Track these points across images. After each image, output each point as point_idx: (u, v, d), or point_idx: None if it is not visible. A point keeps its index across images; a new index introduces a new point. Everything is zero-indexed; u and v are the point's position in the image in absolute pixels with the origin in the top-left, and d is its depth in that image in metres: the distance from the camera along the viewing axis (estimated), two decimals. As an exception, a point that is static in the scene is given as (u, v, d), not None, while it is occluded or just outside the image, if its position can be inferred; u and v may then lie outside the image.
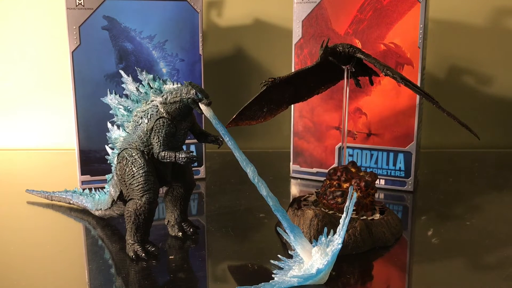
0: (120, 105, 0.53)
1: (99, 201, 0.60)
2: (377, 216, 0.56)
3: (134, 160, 0.51)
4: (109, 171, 0.58)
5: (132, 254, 0.51)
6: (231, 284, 0.47)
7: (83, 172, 0.73)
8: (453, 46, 0.96)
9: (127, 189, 0.52)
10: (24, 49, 0.97)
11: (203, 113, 0.49)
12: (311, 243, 0.48)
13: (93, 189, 0.63)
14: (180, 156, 0.50)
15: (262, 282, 0.44)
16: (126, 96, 0.53)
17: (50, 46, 0.96)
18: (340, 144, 0.76)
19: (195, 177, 0.76)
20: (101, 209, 0.60)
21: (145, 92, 0.52)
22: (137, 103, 0.53)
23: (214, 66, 0.97)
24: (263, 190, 0.47)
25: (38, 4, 0.95)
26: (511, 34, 0.95)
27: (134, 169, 0.51)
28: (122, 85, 0.54)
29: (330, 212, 0.56)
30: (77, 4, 0.68)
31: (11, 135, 1.00)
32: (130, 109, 0.53)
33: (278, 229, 0.51)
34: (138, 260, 0.51)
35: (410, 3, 0.68)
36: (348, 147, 0.75)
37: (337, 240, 0.46)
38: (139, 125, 0.52)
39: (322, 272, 0.44)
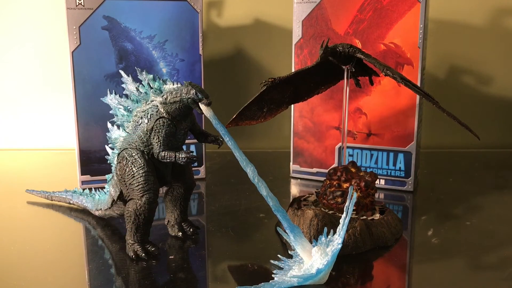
0: (120, 105, 0.53)
1: (99, 201, 0.61)
2: (377, 216, 0.56)
3: (134, 160, 0.51)
4: (109, 171, 0.58)
5: (132, 254, 0.51)
6: (231, 284, 0.47)
7: (83, 172, 0.73)
8: (453, 46, 0.96)
9: (127, 189, 0.52)
10: (24, 49, 0.97)
11: (203, 113, 0.49)
12: (311, 243, 0.48)
13: (93, 189, 0.63)
14: (180, 156, 0.50)
15: (262, 282, 0.44)
16: (126, 96, 0.53)
17: (50, 46, 0.96)
18: (340, 144, 0.76)
19: (195, 177, 0.76)
20: (101, 209, 0.60)
21: (145, 92, 0.52)
22: (137, 103, 0.53)
23: (214, 66, 0.97)
24: (263, 190, 0.47)
25: (38, 4, 0.95)
26: (511, 34, 0.95)
27: (134, 169, 0.51)
28: (122, 85, 0.54)
29: (330, 212, 0.56)
30: (77, 4, 0.68)
31: (11, 135, 1.00)
32: (130, 109, 0.53)
33: (278, 229, 0.51)
34: (138, 260, 0.51)
35: (410, 3, 0.68)
36: (348, 147, 0.75)
37: (337, 240, 0.46)
38: (139, 125, 0.52)
39: (322, 272, 0.44)
